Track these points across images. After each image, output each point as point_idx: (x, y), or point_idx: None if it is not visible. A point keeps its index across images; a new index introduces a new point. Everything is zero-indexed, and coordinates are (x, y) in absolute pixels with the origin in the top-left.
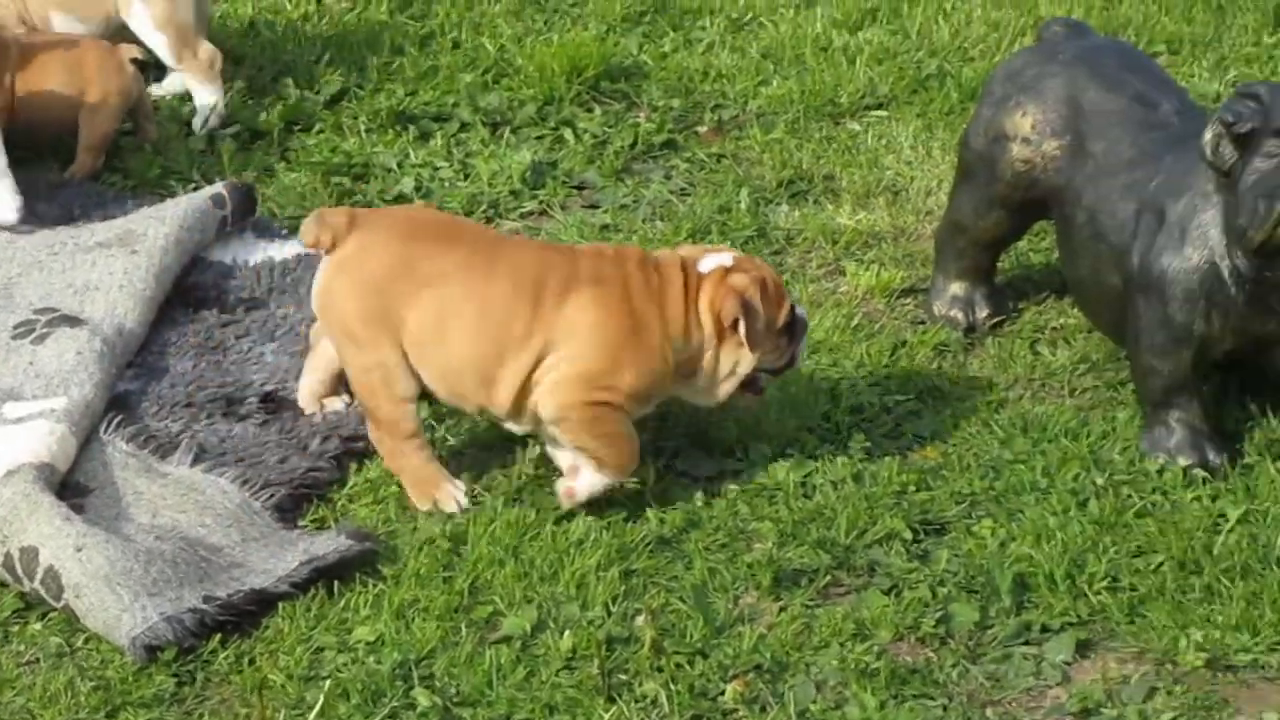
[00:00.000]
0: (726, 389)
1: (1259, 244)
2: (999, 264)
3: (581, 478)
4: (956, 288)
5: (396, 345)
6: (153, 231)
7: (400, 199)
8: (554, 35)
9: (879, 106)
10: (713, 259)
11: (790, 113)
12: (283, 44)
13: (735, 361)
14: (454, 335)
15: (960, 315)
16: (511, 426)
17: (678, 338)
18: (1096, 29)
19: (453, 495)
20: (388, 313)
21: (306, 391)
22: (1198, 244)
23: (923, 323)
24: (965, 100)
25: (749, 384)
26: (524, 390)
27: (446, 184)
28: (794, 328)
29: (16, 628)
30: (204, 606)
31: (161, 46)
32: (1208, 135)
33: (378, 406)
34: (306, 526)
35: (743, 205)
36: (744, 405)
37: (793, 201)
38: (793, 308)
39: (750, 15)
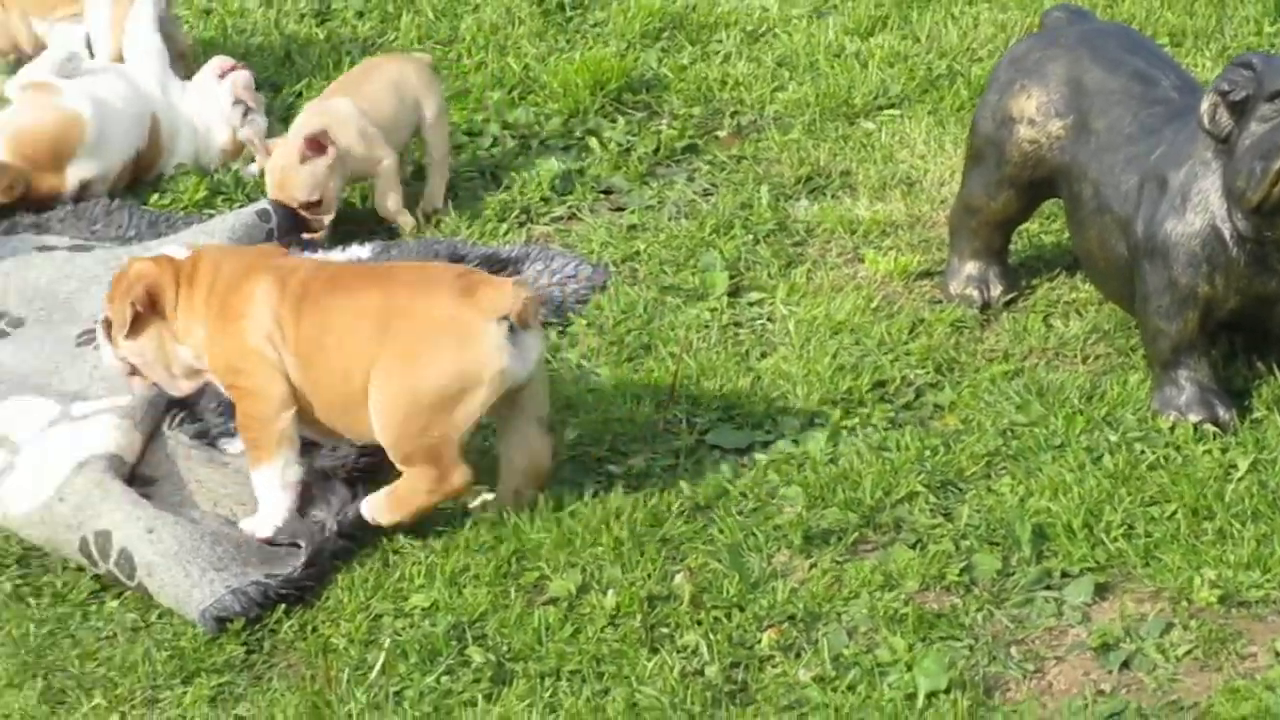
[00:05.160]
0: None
1: (1257, 204)
2: (1011, 245)
3: None
4: (971, 267)
5: None
6: (203, 244)
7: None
8: (576, 53)
9: (892, 106)
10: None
11: (806, 115)
12: (323, 66)
13: None
14: None
15: (975, 293)
16: None
17: None
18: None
19: None
20: None
21: None
22: (1199, 209)
23: (940, 302)
24: (975, 97)
25: None
26: None
27: (479, 192)
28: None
29: (94, 606)
30: (267, 580)
31: None
32: (1205, 105)
33: None
34: None
35: (763, 201)
36: None
37: (811, 196)
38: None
39: (765, 27)
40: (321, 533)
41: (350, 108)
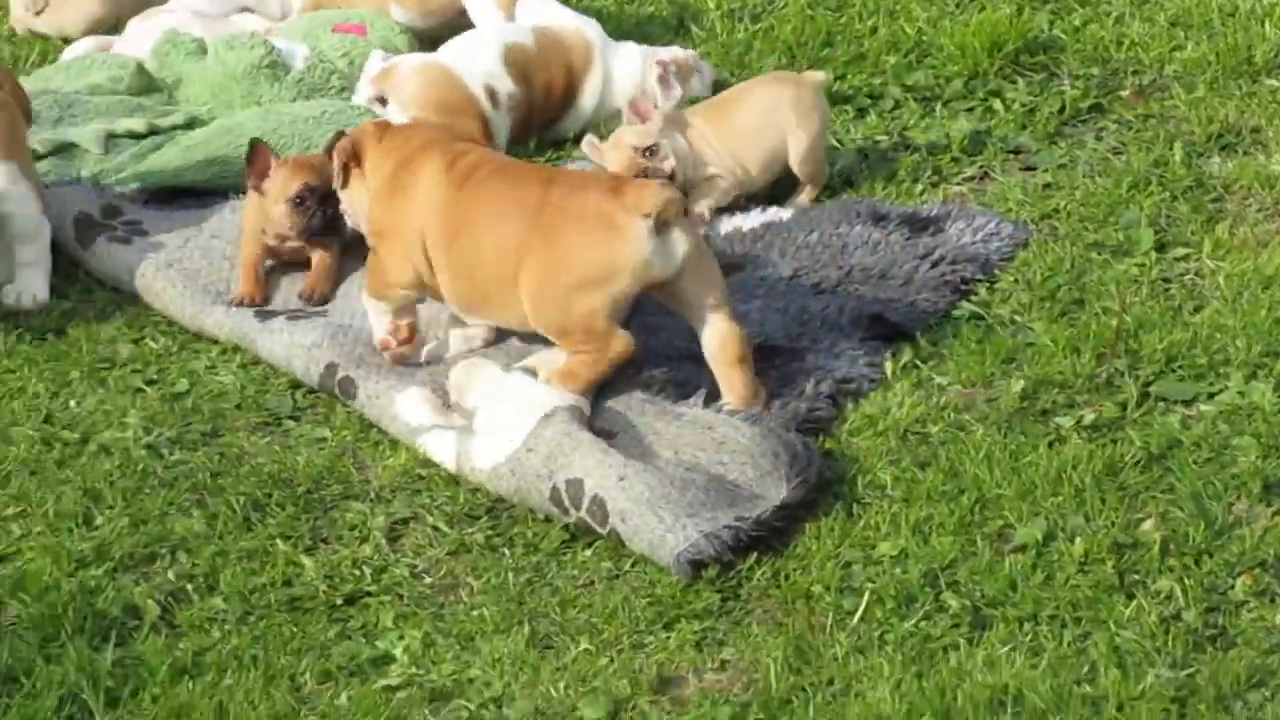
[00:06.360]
0: None
1: None
2: None
3: None
4: None
5: None
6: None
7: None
8: (968, 16)
9: None
10: None
11: (1208, 73)
12: (716, 34)
13: None
14: None
15: None
16: None
17: None
18: None
19: None
20: None
21: None
22: None
23: None
24: None
25: None
26: None
27: (888, 154)
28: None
29: (567, 555)
30: (738, 524)
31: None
32: None
33: None
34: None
35: (1176, 158)
36: None
37: (1223, 153)
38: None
39: None
40: (806, 461)
41: (688, 123)
